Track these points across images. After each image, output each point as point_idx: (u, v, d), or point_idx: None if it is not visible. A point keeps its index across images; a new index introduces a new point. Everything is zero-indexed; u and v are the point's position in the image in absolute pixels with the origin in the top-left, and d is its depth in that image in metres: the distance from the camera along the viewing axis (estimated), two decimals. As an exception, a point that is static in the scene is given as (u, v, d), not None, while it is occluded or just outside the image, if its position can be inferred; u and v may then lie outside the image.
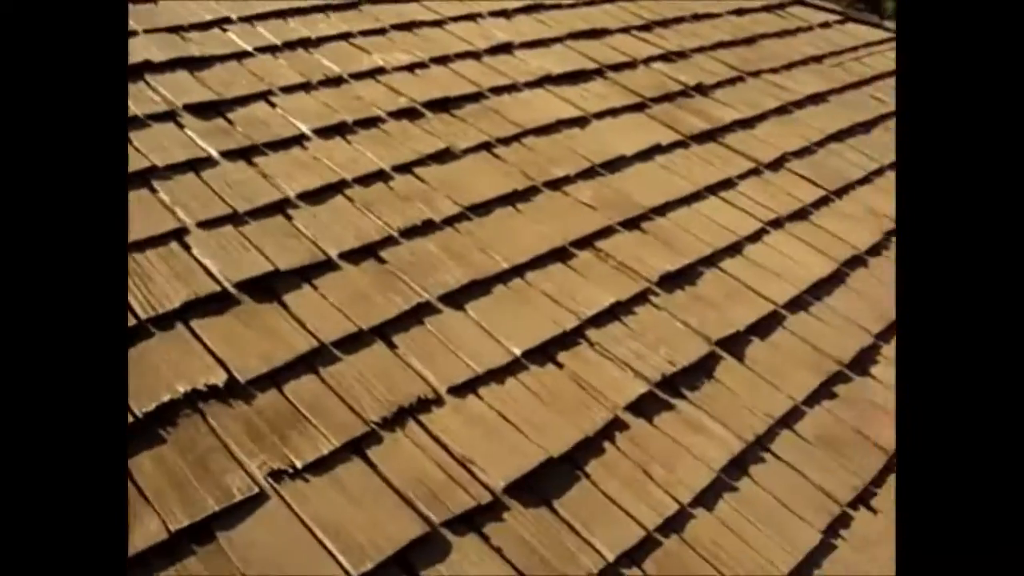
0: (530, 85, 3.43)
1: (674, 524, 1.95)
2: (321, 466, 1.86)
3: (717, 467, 2.09)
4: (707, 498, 2.03)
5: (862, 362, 2.54)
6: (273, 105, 2.95)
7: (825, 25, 5.08)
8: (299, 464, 1.84)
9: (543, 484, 1.95)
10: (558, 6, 4.23)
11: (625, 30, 4.16)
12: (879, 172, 3.57)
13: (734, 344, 2.45)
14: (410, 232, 2.52)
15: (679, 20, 4.46)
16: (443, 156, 2.88)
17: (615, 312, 2.42)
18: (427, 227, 2.55)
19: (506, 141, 3.03)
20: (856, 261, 2.96)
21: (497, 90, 3.34)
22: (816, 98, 4.05)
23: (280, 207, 2.51)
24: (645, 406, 2.18)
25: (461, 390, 2.09)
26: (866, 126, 3.94)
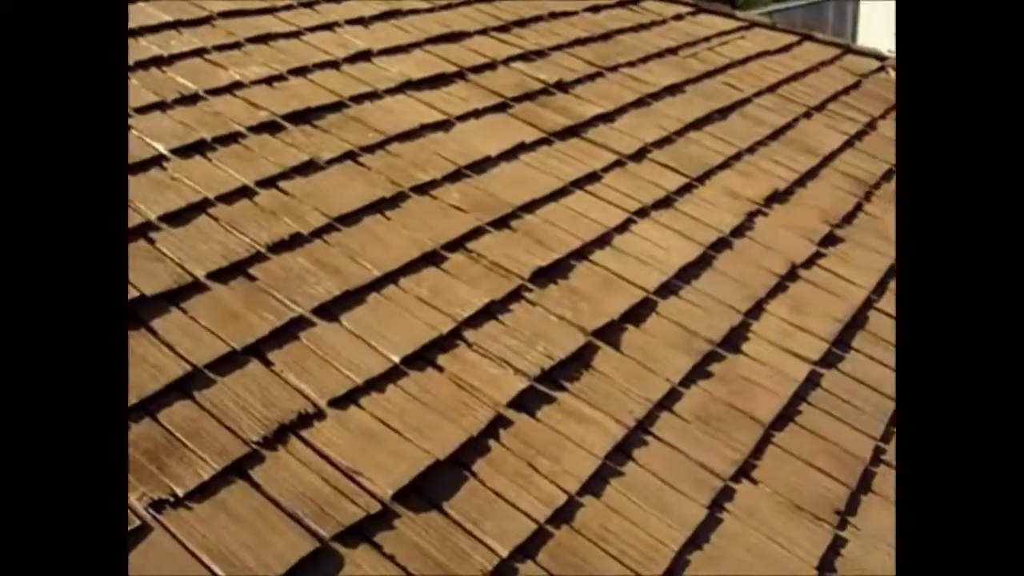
0: (391, 92, 3.42)
1: (563, 514, 1.98)
2: (203, 492, 1.82)
3: (601, 454, 2.13)
4: (594, 485, 2.06)
5: (733, 340, 2.63)
6: (128, 127, 2.87)
7: (678, 17, 5.21)
8: (180, 492, 1.80)
9: (431, 487, 1.95)
10: (415, 11, 4.23)
11: (483, 32, 4.19)
12: (737, 156, 3.69)
13: (609, 333, 2.50)
14: (278, 247, 2.49)
15: (536, 19, 4.52)
16: (307, 168, 2.86)
17: (490, 311, 2.44)
18: (295, 241, 2.53)
19: (370, 149, 3.02)
20: (721, 243, 3.06)
21: (358, 98, 3.32)
22: (673, 89, 4.15)
23: (142, 231, 2.45)
24: (526, 401, 2.21)
25: (341, 402, 2.08)
26: (722, 113, 4.07)
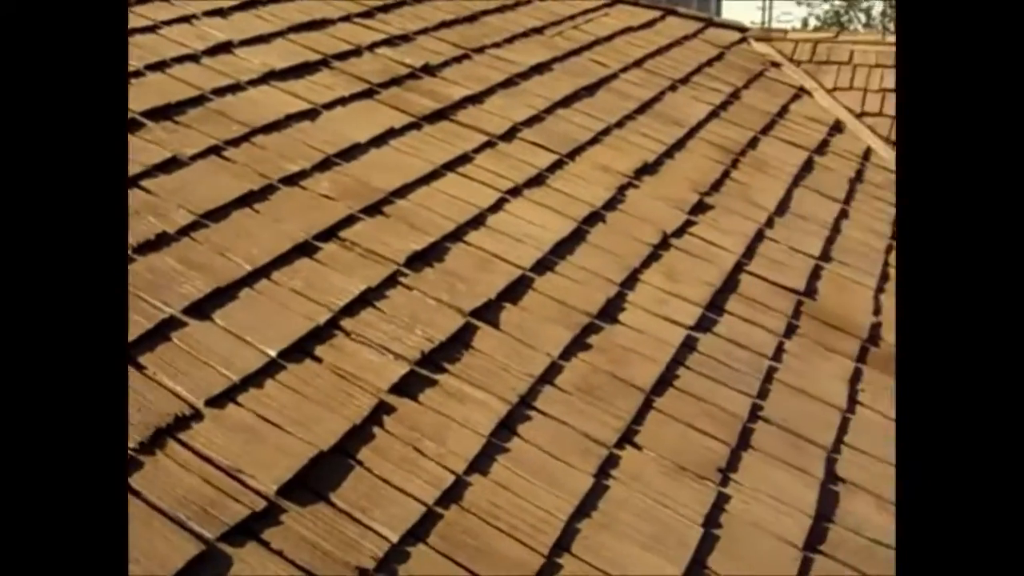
0: (254, 83, 3.35)
1: (452, 494, 1.98)
2: (77, 503, 1.76)
3: (486, 432, 2.14)
4: (480, 463, 2.07)
5: (609, 311, 2.67)
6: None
7: (543, -4, 5.25)
8: (52, 505, 1.74)
9: (317, 479, 1.93)
10: (276, 0, 4.15)
11: (346, 19, 4.14)
12: (606, 131, 3.75)
13: (488, 312, 2.51)
14: (144, 248, 2.41)
15: (400, 4, 4.49)
16: (170, 165, 2.78)
17: (367, 298, 2.42)
18: (162, 240, 2.46)
19: (235, 142, 2.95)
20: (594, 217, 3.10)
21: (220, 91, 3.24)
22: (540, 67, 4.19)
23: (-4, 240, 2.34)
24: (408, 386, 2.20)
25: (219, 400, 2.04)
26: (590, 89, 4.12)
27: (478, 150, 3.30)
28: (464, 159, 3.21)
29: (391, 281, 2.52)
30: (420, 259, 2.63)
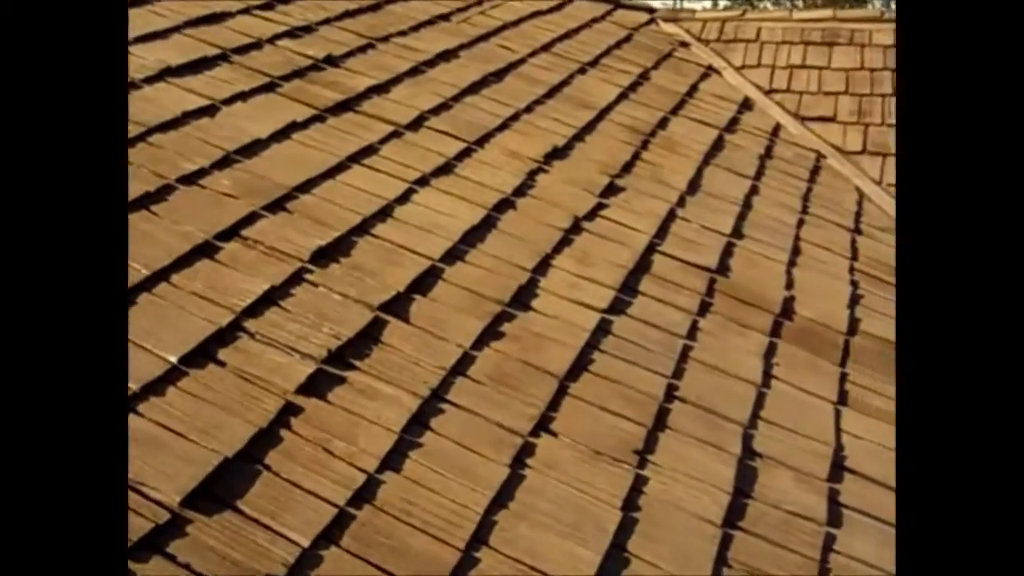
0: (150, 80, 3.24)
1: (364, 494, 1.94)
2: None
3: (398, 428, 2.10)
4: (393, 460, 2.03)
5: (521, 298, 2.65)
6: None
7: (448, -17, 5.19)
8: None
9: (223, 487, 1.87)
10: (171, -5, 4.03)
11: (246, 11, 4.03)
12: (515, 117, 3.72)
13: (397, 306, 2.46)
14: (34, 256, 2.31)
15: (301, -6, 4.39)
16: (61, 169, 2.67)
17: (271, 298, 2.36)
18: (53, 247, 2.36)
19: (131, 142, 2.85)
20: (504, 204, 3.07)
21: (113, 91, 3.13)
22: (447, 55, 4.13)
23: None
24: (316, 385, 2.15)
25: (117, 411, 1.96)
26: (498, 75, 4.08)
27: (384, 141, 3.24)
28: (369, 150, 3.15)
29: (296, 279, 2.46)
30: (325, 255, 2.57)
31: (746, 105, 4.79)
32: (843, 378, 2.87)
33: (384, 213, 2.83)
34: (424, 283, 2.58)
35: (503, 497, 2.02)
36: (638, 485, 2.18)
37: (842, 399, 2.77)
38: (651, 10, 5.87)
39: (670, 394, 2.49)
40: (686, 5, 12.74)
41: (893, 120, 4.79)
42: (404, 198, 2.94)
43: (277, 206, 2.72)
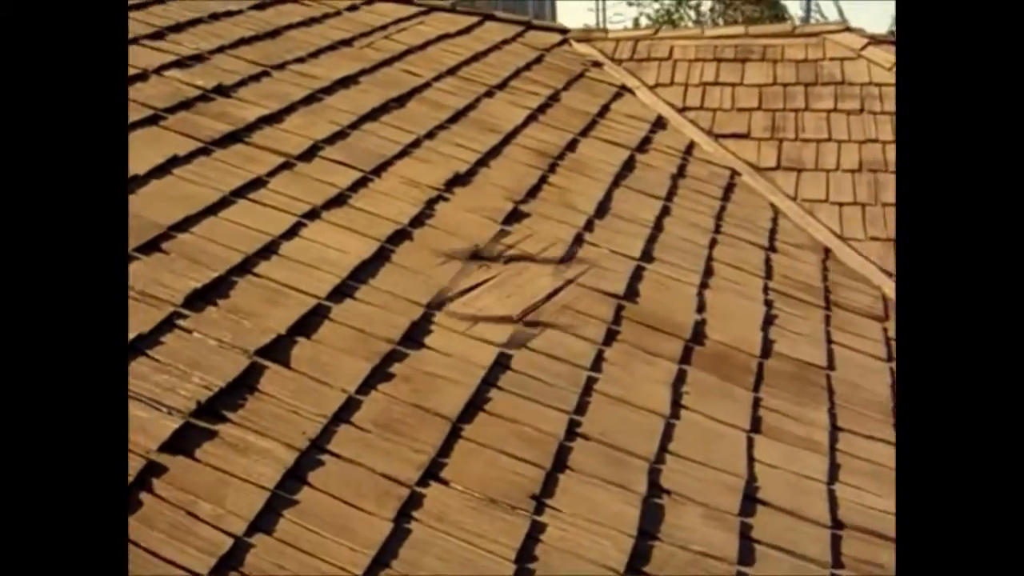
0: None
1: (231, 560, 1.77)
2: None
3: (271, 484, 1.94)
4: (264, 521, 1.87)
5: (414, 335, 2.51)
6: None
7: (353, 8, 5.05)
8: None
9: (72, 561, 1.69)
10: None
11: (134, 41, 3.86)
12: (416, 144, 3.59)
13: (276, 350, 2.31)
14: None
15: (195, 23, 4.21)
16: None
17: (138, 347, 2.18)
18: None
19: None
20: (400, 235, 2.93)
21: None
22: (347, 81, 4.00)
23: None
24: (182, 441, 1.98)
25: (-48, 482, 1.78)
26: (400, 100, 3.96)
27: (273, 173, 3.08)
28: (257, 184, 3.00)
29: (167, 325, 2.28)
30: (201, 297, 2.41)
31: (659, 124, 4.72)
32: (756, 404, 2.77)
33: (268, 250, 2.67)
34: (308, 324, 2.42)
35: (385, 555, 1.87)
36: (535, 533, 2.04)
37: (755, 426, 2.67)
38: (564, 31, 5.79)
39: (572, 431, 2.36)
40: (609, 26, 12.76)
41: (807, 135, 4.76)
42: (291, 233, 2.78)
43: (151, 247, 2.54)
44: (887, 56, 5.12)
